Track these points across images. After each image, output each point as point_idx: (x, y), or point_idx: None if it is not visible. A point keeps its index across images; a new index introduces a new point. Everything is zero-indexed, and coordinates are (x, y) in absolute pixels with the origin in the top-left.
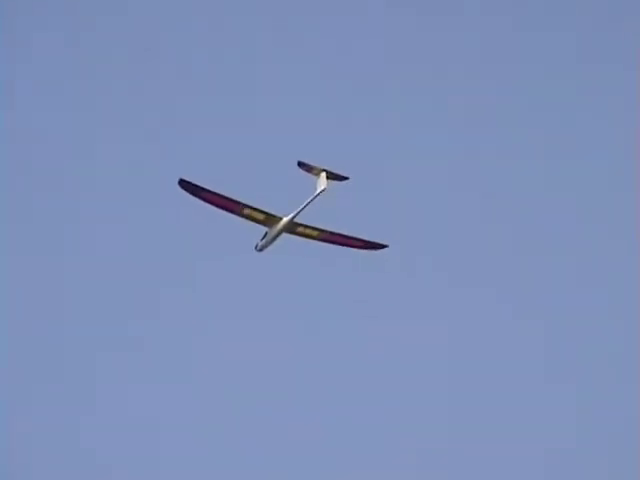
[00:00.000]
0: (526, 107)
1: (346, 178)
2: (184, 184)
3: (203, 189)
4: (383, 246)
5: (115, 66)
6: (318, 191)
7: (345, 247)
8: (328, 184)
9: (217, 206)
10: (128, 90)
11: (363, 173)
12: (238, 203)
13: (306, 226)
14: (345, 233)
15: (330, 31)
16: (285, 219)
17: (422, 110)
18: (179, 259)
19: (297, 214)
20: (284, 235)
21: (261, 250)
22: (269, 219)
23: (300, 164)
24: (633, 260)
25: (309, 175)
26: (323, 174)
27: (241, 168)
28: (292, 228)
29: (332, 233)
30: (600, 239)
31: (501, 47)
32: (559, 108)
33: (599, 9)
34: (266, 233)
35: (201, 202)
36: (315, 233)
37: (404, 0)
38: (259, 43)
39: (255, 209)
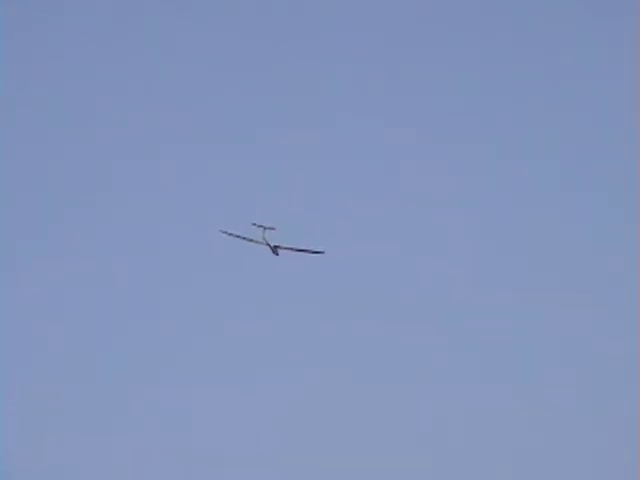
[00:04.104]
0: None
1: (273, 228)
2: (227, 233)
3: (238, 235)
4: (320, 252)
5: None
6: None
7: (298, 253)
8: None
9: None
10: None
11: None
12: (252, 239)
13: (279, 246)
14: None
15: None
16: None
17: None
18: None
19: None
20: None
21: (277, 255)
22: (269, 246)
23: (254, 224)
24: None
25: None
26: (261, 228)
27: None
28: (275, 247)
29: (291, 248)
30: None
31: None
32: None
33: None
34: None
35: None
36: (283, 247)
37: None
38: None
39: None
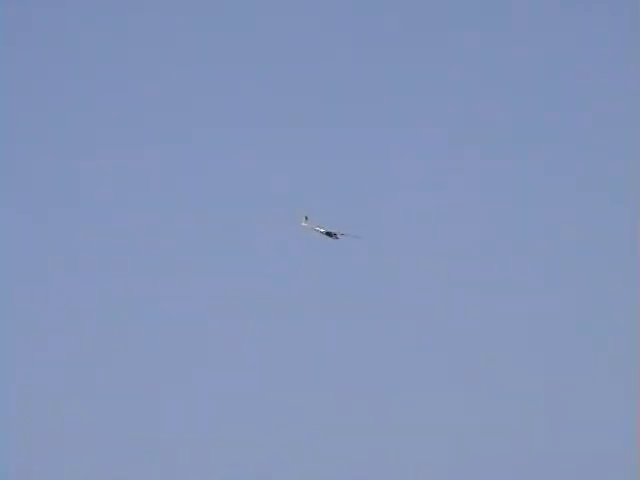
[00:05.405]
0: None
1: (307, 217)
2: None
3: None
4: (359, 237)
5: None
6: (305, 224)
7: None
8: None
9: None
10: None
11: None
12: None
13: (334, 233)
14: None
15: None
16: (322, 230)
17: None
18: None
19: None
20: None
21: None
22: (326, 234)
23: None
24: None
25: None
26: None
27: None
28: (331, 233)
29: (342, 233)
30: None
31: None
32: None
33: None
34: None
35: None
36: (333, 233)
37: None
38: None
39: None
